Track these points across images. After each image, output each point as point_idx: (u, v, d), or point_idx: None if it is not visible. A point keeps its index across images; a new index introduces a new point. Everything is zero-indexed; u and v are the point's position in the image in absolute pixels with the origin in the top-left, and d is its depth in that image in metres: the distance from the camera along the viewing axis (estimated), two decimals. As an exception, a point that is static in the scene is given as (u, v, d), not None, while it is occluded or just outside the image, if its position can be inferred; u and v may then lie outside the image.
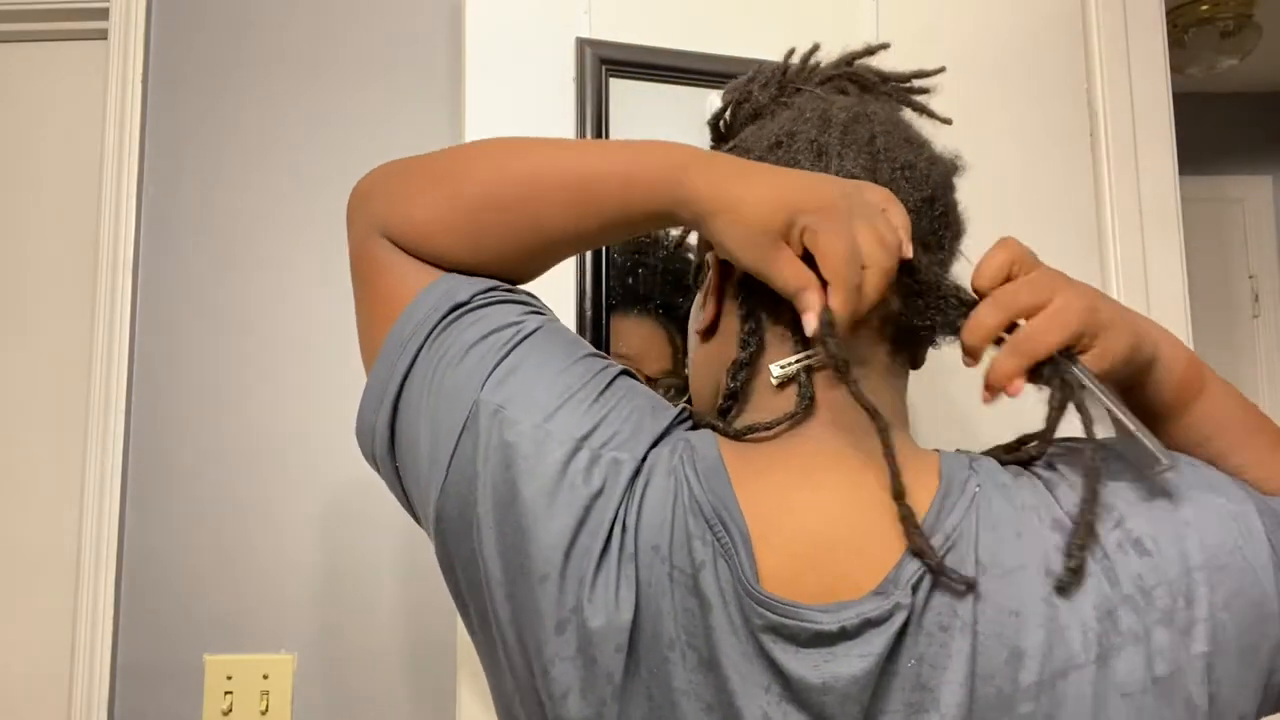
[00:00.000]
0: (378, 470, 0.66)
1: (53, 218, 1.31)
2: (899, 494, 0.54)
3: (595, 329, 1.02)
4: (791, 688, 0.52)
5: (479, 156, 0.65)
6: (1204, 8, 2.59)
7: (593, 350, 0.63)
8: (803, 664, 0.52)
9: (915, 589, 0.52)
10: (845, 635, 0.52)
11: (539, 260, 0.66)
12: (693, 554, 0.54)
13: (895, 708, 0.52)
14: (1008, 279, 0.58)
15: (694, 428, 0.62)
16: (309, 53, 1.26)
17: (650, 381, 1.03)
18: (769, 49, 0.98)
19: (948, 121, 0.72)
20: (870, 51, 0.72)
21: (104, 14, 1.26)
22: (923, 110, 0.72)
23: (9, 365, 1.29)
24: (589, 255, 1.03)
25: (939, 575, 0.52)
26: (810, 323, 0.56)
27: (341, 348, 1.21)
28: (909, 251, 0.58)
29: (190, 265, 1.22)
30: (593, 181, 0.61)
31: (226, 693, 1.14)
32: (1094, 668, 0.51)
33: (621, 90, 1.07)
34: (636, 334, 1.06)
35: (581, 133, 1.05)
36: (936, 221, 0.63)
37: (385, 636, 1.17)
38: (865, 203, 0.58)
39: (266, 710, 1.14)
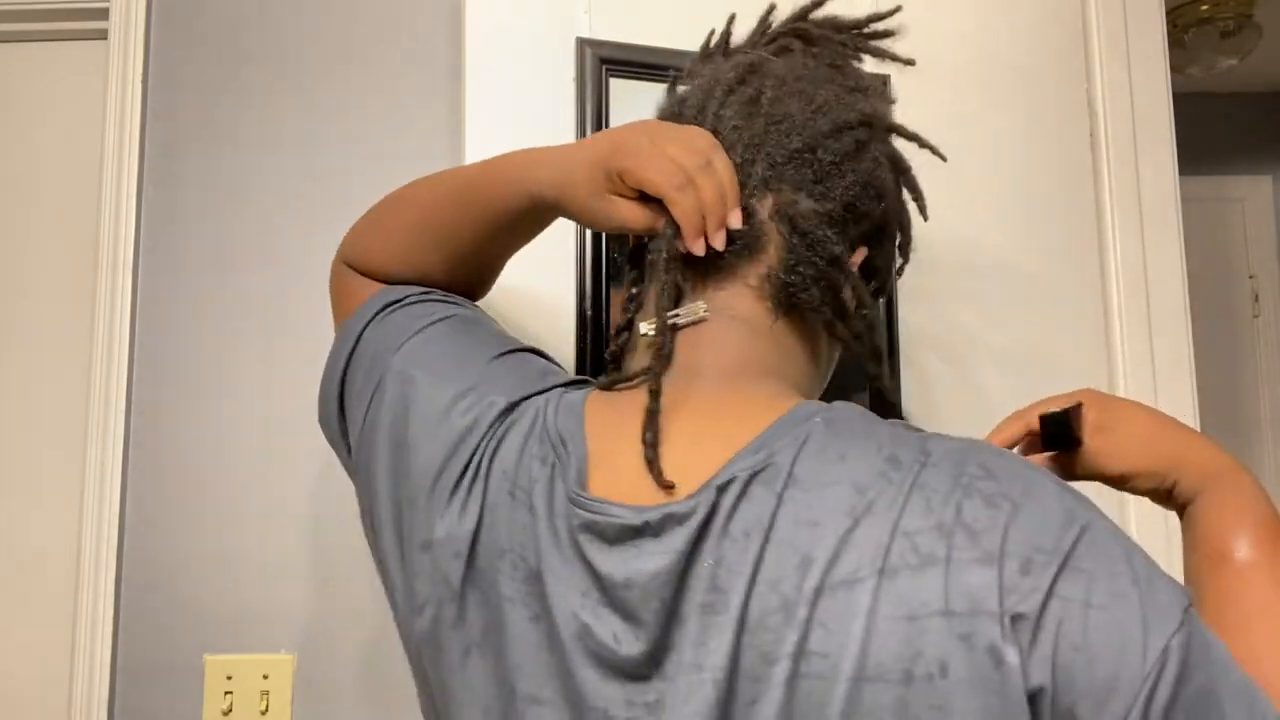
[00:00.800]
0: (328, 436, 0.77)
1: (53, 218, 1.31)
2: (649, 426, 0.56)
3: (595, 327, 1.02)
4: (603, 586, 0.55)
5: (404, 190, 0.77)
6: (1204, 8, 2.59)
7: (504, 336, 0.72)
8: (611, 560, 0.54)
9: (722, 491, 0.53)
10: (650, 530, 0.54)
11: (463, 267, 0.75)
12: (531, 472, 0.59)
13: (693, 609, 0.53)
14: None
15: None
16: (309, 53, 1.26)
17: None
18: (769, 49, 0.97)
19: (910, 62, 0.73)
20: (818, 4, 0.73)
21: (104, 14, 1.26)
22: (881, 54, 0.73)
23: (9, 365, 1.29)
24: (589, 255, 1.02)
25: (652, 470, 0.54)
26: (679, 245, 0.60)
27: (341, 348, 1.21)
28: (716, 161, 0.60)
29: (190, 265, 1.22)
30: (470, 186, 0.70)
31: (226, 693, 1.14)
32: (874, 580, 0.49)
33: (621, 90, 1.07)
34: None
35: (581, 133, 1.05)
36: (820, 171, 0.63)
37: (385, 636, 1.17)
38: (665, 127, 0.62)
39: (266, 710, 1.14)
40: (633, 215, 0.62)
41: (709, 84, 0.67)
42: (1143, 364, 1.18)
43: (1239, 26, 2.61)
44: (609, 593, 0.54)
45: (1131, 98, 1.25)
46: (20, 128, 1.33)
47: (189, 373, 1.20)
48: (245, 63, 1.26)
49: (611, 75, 1.06)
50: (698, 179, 0.59)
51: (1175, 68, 1.31)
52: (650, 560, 0.53)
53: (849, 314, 0.64)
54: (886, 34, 0.73)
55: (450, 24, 1.24)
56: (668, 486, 0.54)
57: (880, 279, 0.71)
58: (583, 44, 1.06)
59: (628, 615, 0.54)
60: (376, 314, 0.72)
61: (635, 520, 0.54)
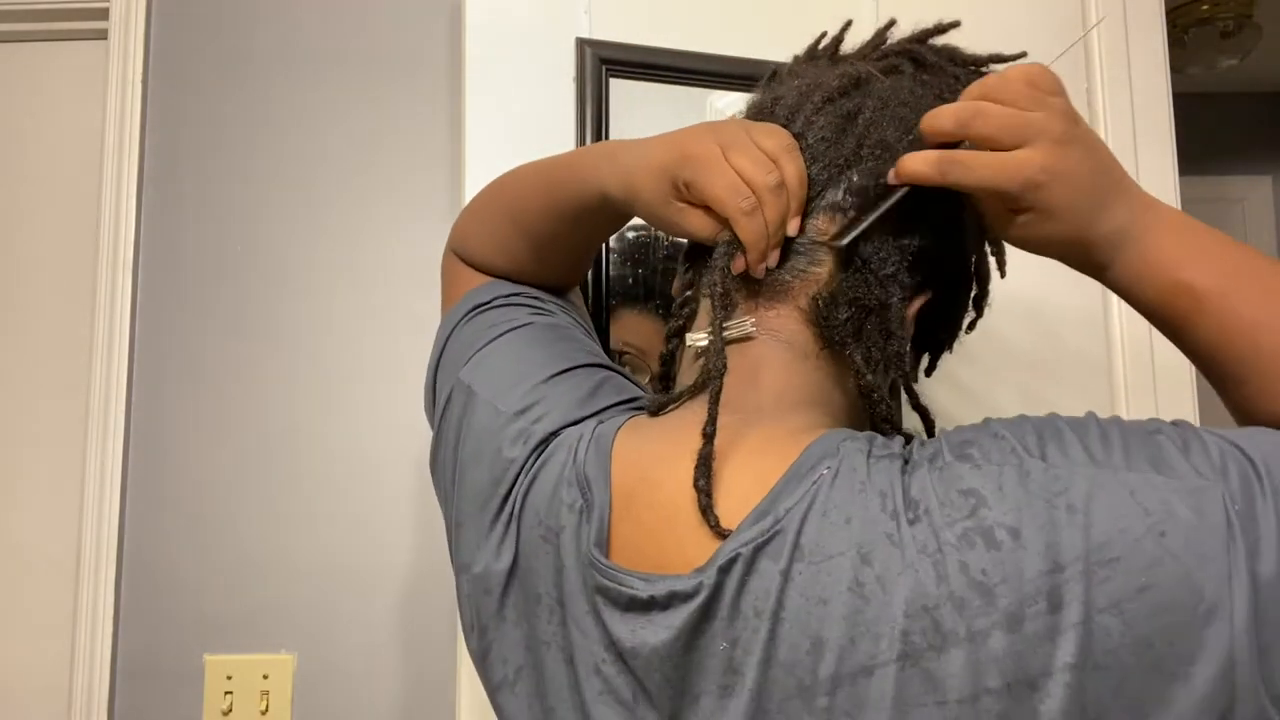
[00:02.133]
0: (430, 425, 0.76)
1: (53, 218, 1.31)
2: (701, 473, 0.54)
3: (595, 328, 1.02)
4: (616, 650, 0.55)
5: (501, 177, 0.77)
6: (1204, 8, 2.59)
7: (577, 346, 0.70)
8: (622, 627, 0.54)
9: (726, 570, 0.51)
10: (655, 605, 0.53)
11: (551, 257, 0.73)
12: (560, 518, 0.58)
13: (710, 688, 0.52)
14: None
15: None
16: (309, 54, 1.26)
17: (654, 380, 1.04)
18: (769, 49, 0.97)
19: None
20: (940, 30, 0.68)
21: (104, 14, 1.26)
22: None
23: (9, 365, 1.29)
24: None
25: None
26: (737, 263, 0.58)
27: (341, 348, 1.21)
28: (788, 169, 0.57)
29: (190, 265, 1.22)
30: (550, 178, 0.70)
31: (226, 693, 1.14)
32: (895, 667, 0.46)
33: (621, 90, 1.07)
34: (644, 331, 1.06)
35: (581, 132, 1.05)
36: (904, 205, 0.59)
37: (385, 636, 1.17)
38: (737, 131, 0.59)
39: (266, 710, 1.14)
40: (698, 225, 0.59)
41: (809, 87, 0.63)
42: (1143, 364, 1.18)
43: (1239, 26, 2.61)
44: (622, 658, 0.55)
45: (1131, 98, 1.25)
46: (20, 128, 1.33)
47: (189, 373, 1.20)
48: (245, 63, 1.26)
49: (611, 75, 1.06)
50: (765, 199, 0.56)
51: (1175, 68, 1.31)
52: (655, 633, 0.53)
53: (877, 354, 0.59)
54: None
55: (450, 24, 1.24)
56: (722, 535, 0.52)
57: (946, 330, 0.67)
58: (583, 44, 1.06)
59: (637, 682, 0.54)
60: (464, 316, 0.72)
61: (643, 594, 0.53)
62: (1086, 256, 0.58)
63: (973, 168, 0.55)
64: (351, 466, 1.19)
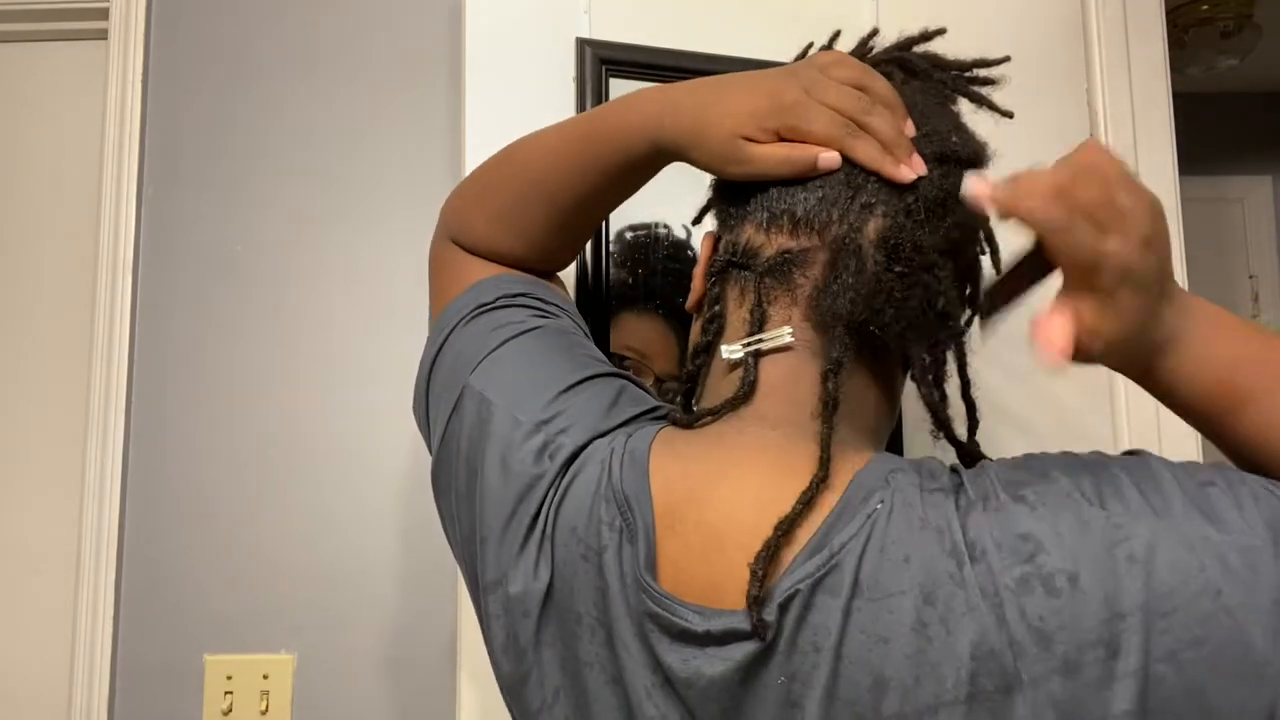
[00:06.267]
0: (417, 422, 0.74)
1: (53, 218, 1.31)
2: (805, 502, 0.52)
3: (595, 331, 1.02)
4: (666, 677, 0.54)
5: (500, 153, 0.73)
6: (1204, 8, 2.59)
7: (588, 353, 0.68)
8: (673, 655, 0.53)
9: (785, 608, 0.51)
10: (711, 639, 0.52)
11: (563, 233, 0.72)
12: (600, 537, 0.57)
13: None
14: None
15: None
16: (309, 53, 1.26)
17: (657, 383, 1.03)
18: (769, 49, 0.98)
19: (1009, 115, 0.68)
20: (926, 37, 0.69)
21: (104, 14, 1.26)
22: (980, 101, 0.68)
23: (9, 365, 1.29)
24: (589, 258, 1.03)
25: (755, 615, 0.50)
26: (827, 160, 0.56)
27: (340, 348, 1.21)
28: (875, 86, 0.57)
29: (190, 265, 1.22)
30: (585, 135, 0.67)
31: (226, 693, 1.14)
32: (963, 708, 0.47)
33: (621, 90, 1.07)
34: (645, 333, 1.06)
35: (581, 133, 1.05)
36: (928, 202, 0.58)
37: (385, 636, 1.17)
38: (813, 75, 0.58)
39: (266, 710, 1.14)
40: (777, 159, 0.57)
41: None
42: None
43: (1239, 26, 2.61)
44: (672, 685, 0.54)
45: (1131, 98, 1.25)
46: (20, 128, 1.33)
47: (189, 373, 1.20)
48: (245, 63, 1.26)
49: (611, 75, 1.06)
50: (869, 123, 0.56)
51: (1175, 68, 1.31)
52: (710, 665, 0.52)
53: (945, 373, 0.60)
54: (989, 81, 0.69)
55: (450, 24, 1.24)
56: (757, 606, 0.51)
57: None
58: (583, 44, 1.06)
59: (688, 710, 0.54)
60: (466, 316, 0.70)
61: (699, 628, 0.53)
62: (1132, 360, 0.56)
63: (1089, 227, 0.50)
64: (352, 467, 1.19)
